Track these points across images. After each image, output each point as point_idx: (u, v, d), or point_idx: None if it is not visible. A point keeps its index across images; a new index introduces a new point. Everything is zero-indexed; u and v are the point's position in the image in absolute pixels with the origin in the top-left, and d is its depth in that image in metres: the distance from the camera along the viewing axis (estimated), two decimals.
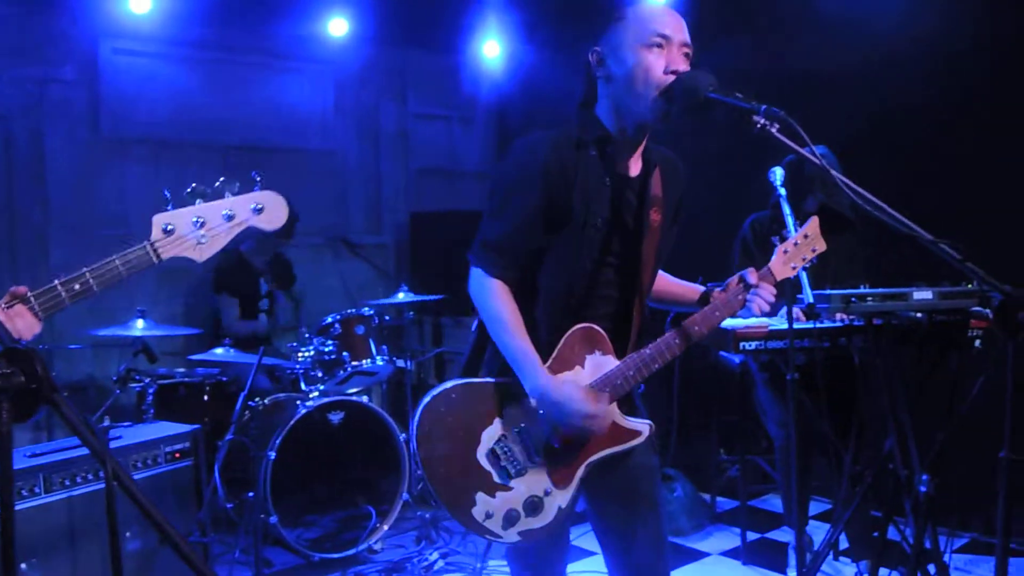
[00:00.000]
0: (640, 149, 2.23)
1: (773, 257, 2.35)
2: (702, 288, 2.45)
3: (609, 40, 2.14)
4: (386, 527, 4.30)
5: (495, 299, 2.14)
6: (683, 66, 2.07)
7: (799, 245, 2.37)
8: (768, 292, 2.26)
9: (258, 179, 1.94)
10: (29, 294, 1.67)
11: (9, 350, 1.39)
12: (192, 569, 1.43)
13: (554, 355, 2.15)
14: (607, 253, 2.18)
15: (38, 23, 5.17)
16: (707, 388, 4.84)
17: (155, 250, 1.80)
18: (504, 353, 2.13)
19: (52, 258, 5.17)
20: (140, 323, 4.22)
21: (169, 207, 1.82)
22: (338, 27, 5.94)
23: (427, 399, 2.14)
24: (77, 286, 1.72)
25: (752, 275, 2.25)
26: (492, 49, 6.57)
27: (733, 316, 2.32)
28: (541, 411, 2.11)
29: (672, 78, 2.04)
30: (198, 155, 5.71)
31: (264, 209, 1.90)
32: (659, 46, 2.06)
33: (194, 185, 1.87)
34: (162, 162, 5.57)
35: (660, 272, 2.42)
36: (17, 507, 3.13)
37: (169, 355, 5.03)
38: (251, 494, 3.93)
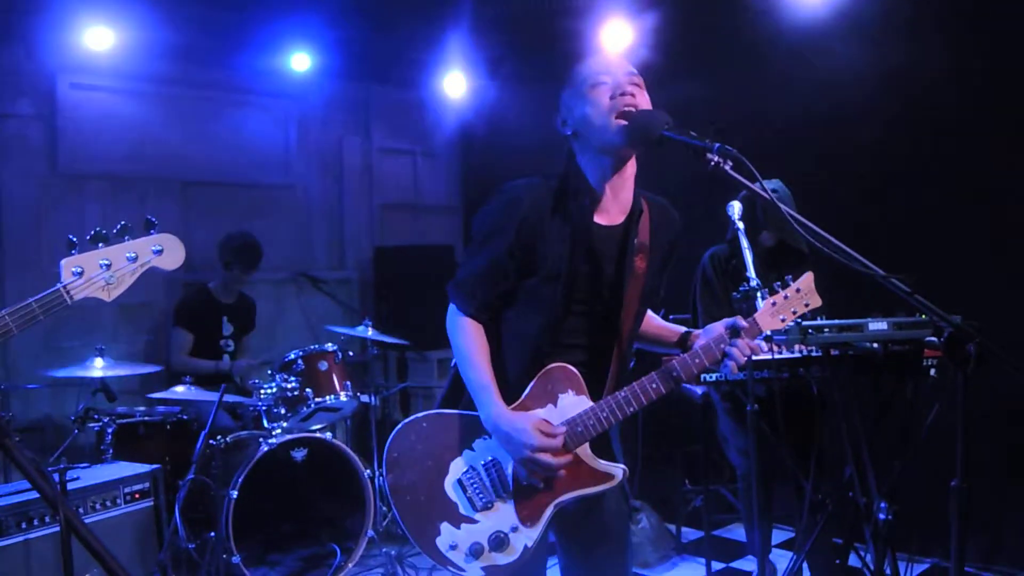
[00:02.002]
0: (627, 198, 2.27)
1: (760, 307, 2.32)
2: (682, 329, 2.46)
3: (565, 104, 2.24)
4: (351, 565, 4.25)
5: (464, 335, 2.20)
6: (632, 89, 2.14)
7: (790, 298, 2.33)
8: (749, 347, 2.21)
9: (155, 222, 2.06)
10: None
11: None
12: None
13: (527, 391, 2.17)
14: (577, 302, 2.21)
15: None
16: (671, 419, 4.87)
17: (67, 292, 1.92)
18: (467, 385, 2.18)
19: (7, 295, 5.08)
20: (99, 362, 4.16)
21: (75, 252, 1.94)
22: (300, 62, 5.96)
23: (399, 427, 2.18)
24: None
25: (743, 324, 2.22)
26: (456, 84, 6.63)
27: (713, 368, 2.31)
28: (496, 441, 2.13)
29: (621, 99, 2.12)
30: (156, 190, 5.68)
31: (164, 250, 2.04)
32: (603, 83, 2.15)
33: (96, 230, 2.00)
34: (120, 198, 5.52)
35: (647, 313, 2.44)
36: None
37: (128, 394, 4.96)
38: (213, 534, 3.87)
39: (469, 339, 2.19)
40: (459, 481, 2.15)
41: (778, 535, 4.61)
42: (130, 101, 5.64)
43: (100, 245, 1.95)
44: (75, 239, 1.94)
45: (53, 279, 2.04)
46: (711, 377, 3.32)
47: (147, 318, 5.59)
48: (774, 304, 2.32)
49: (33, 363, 4.84)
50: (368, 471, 4.37)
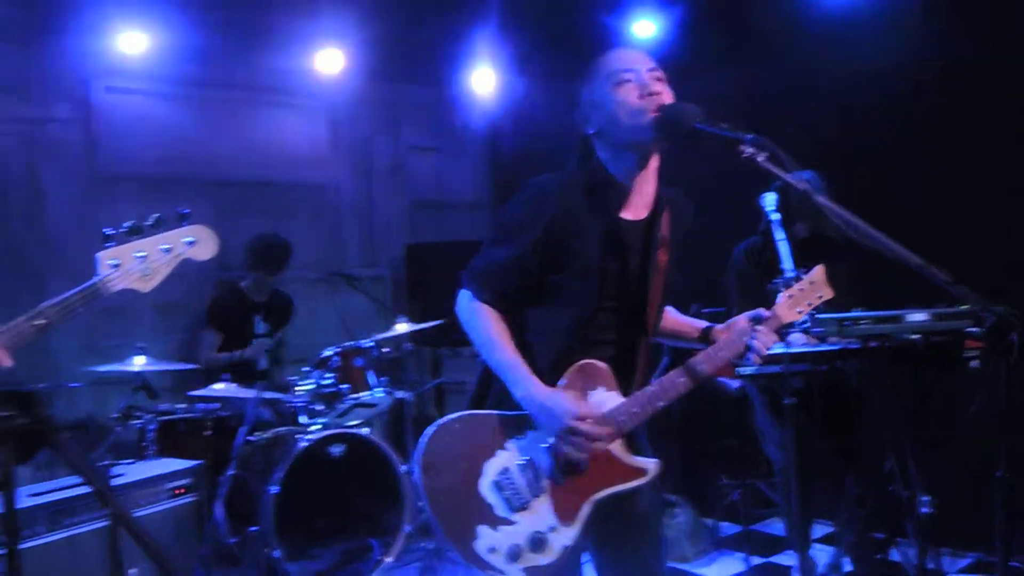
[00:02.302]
0: (650, 192, 2.27)
1: (778, 300, 2.36)
2: (703, 324, 2.47)
3: (587, 102, 2.24)
4: (390, 559, 4.29)
5: (482, 318, 2.19)
6: (657, 87, 2.15)
7: (804, 290, 2.38)
8: (769, 337, 2.25)
9: (188, 213, 2.10)
10: None
11: (11, 392, 1.41)
12: None
13: (559, 387, 2.17)
14: (606, 297, 2.21)
15: (32, 63, 5.20)
16: (706, 413, 4.85)
17: (105, 284, 1.97)
18: (494, 368, 2.17)
19: (51, 291, 5.15)
20: (140, 360, 4.23)
21: (111, 245, 1.99)
22: (331, 62, 6.00)
23: (431, 430, 2.16)
24: (40, 320, 1.86)
25: (765, 314, 2.28)
26: (484, 80, 6.64)
27: (738, 359, 2.32)
28: (532, 418, 2.12)
29: (650, 100, 2.12)
30: (190, 190, 5.74)
31: (197, 242, 2.07)
32: (628, 80, 2.16)
33: (131, 223, 2.04)
34: (155, 198, 5.59)
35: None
36: (21, 547, 3.14)
37: (168, 391, 5.03)
38: (254, 528, 3.92)
39: (488, 321, 2.18)
40: (495, 482, 2.13)
41: (818, 530, 4.58)
42: (164, 103, 5.72)
43: (135, 238, 2.00)
44: (111, 232, 1.99)
45: (93, 275, 2.07)
46: (748, 370, 3.30)
47: (184, 317, 5.67)
48: (790, 296, 2.36)
49: (75, 362, 4.92)
50: (405, 466, 4.40)
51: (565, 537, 2.14)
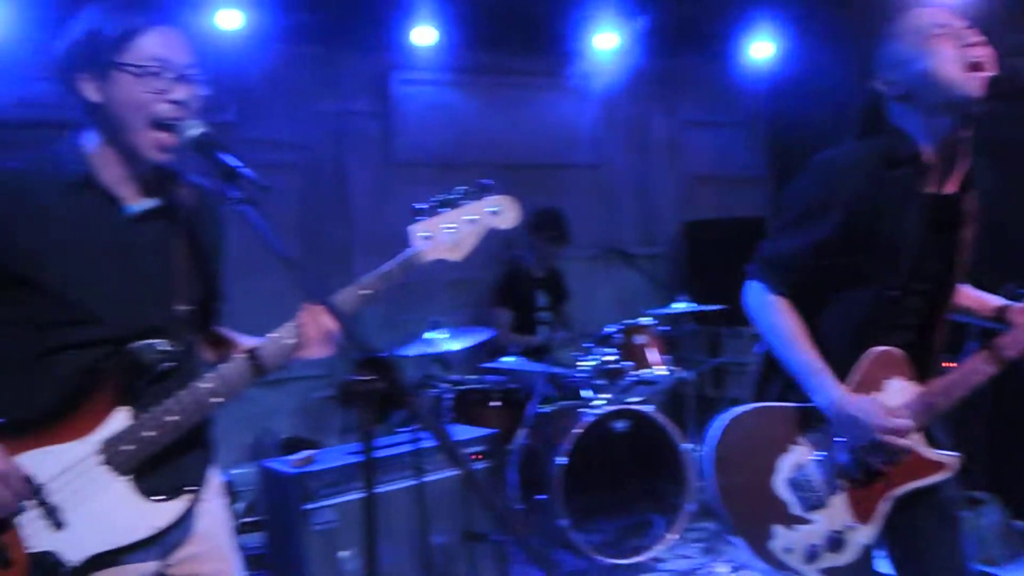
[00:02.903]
0: (960, 162, 2.08)
1: None
2: (999, 302, 2.24)
3: (892, 60, 2.05)
4: (673, 536, 4.27)
5: (777, 313, 2.09)
6: (976, 41, 1.95)
7: None
8: None
9: (490, 185, 2.14)
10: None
11: (370, 359, 1.53)
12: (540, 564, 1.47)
13: (855, 377, 2.05)
14: (917, 279, 2.06)
15: (337, 62, 5.70)
16: (1021, 401, 4.37)
17: (420, 256, 2.04)
18: (791, 368, 2.07)
19: (357, 273, 5.64)
20: (437, 333, 4.50)
21: (421, 218, 2.07)
22: (606, 41, 6.03)
23: (720, 424, 2.11)
24: (366, 290, 1.98)
25: None
26: (763, 49, 6.38)
27: None
28: (835, 427, 2.01)
29: (970, 51, 1.93)
30: (479, 174, 5.96)
31: (500, 211, 2.12)
32: (943, 34, 1.97)
33: (438, 197, 2.11)
34: (448, 183, 5.88)
35: None
36: (337, 500, 3.47)
37: (460, 364, 5.32)
38: (542, 497, 4.05)
39: (786, 319, 2.07)
40: (789, 479, 2.06)
41: None
42: (452, 93, 6.04)
43: (443, 211, 2.08)
44: (420, 207, 2.08)
45: (402, 249, 2.16)
46: None
47: (472, 293, 5.98)
48: None
49: (375, 336, 5.33)
50: (687, 445, 4.36)
51: (863, 536, 2.04)
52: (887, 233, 2.02)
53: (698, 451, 4.47)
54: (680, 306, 4.84)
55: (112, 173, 1.85)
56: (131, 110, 1.79)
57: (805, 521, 2.05)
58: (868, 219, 2.02)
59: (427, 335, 4.51)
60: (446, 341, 4.44)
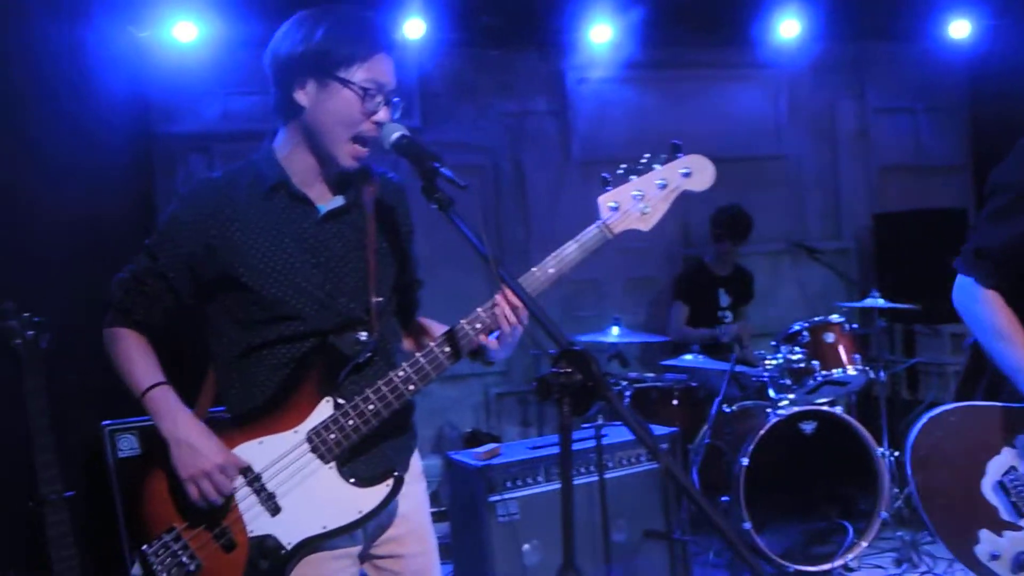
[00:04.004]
0: None
1: None
2: None
3: None
4: (864, 544, 4.09)
5: (987, 308, 1.99)
6: None
7: None
8: None
9: (680, 144, 2.04)
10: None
11: (568, 351, 1.56)
12: (747, 566, 1.46)
13: None
14: None
15: (516, 63, 5.81)
16: None
17: (607, 228, 1.97)
18: (1002, 365, 1.96)
19: (531, 265, 5.73)
20: (615, 330, 4.51)
21: (609, 188, 1.99)
22: (789, 28, 5.82)
23: (923, 422, 2.03)
24: (550, 270, 1.96)
25: None
26: (960, 28, 5.96)
27: None
28: None
29: None
30: None
31: (693, 172, 2.01)
32: None
33: (624, 165, 2.02)
34: None
35: None
36: (520, 494, 3.54)
37: (638, 361, 5.32)
38: (725, 498, 3.98)
39: (997, 313, 1.97)
40: (999, 483, 1.95)
41: None
42: (628, 89, 6.01)
43: (632, 178, 2.01)
44: (608, 176, 2.02)
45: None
46: None
47: (650, 291, 5.94)
48: None
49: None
50: (880, 449, 4.16)
51: None
52: None
53: (892, 456, 4.27)
54: (871, 303, 4.61)
55: (304, 176, 1.98)
56: (339, 123, 1.91)
57: (1015, 527, 1.94)
58: None
59: (608, 331, 4.53)
60: (624, 338, 4.44)
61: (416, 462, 2.16)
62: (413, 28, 5.00)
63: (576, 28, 5.54)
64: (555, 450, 3.63)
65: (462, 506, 3.70)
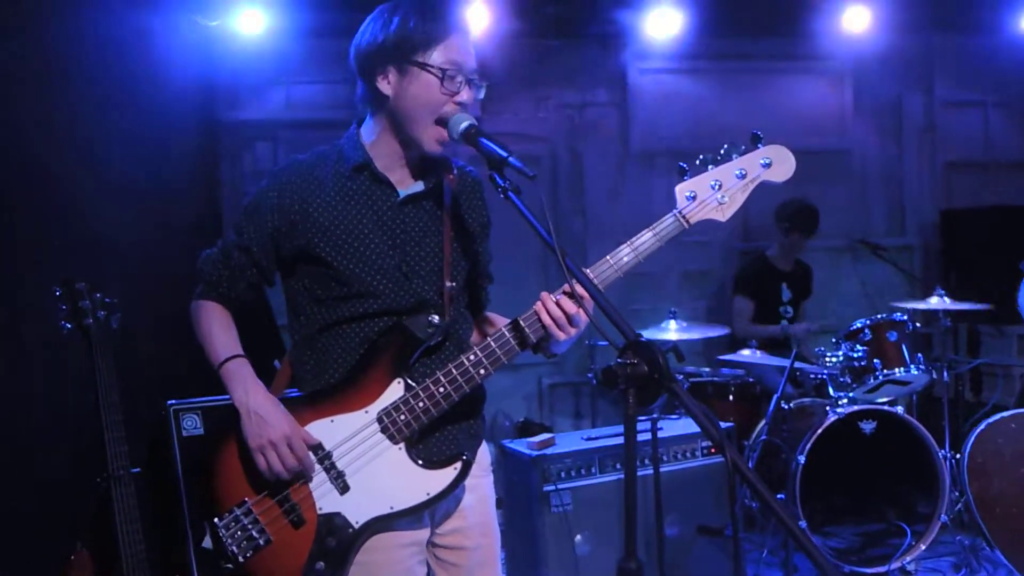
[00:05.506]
0: None
1: None
2: None
3: None
4: (922, 547, 4.01)
5: None
6: None
7: None
8: None
9: (761, 135, 2.00)
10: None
11: (634, 343, 1.56)
12: (816, 562, 1.44)
13: None
14: None
15: (577, 54, 5.79)
16: None
17: (683, 217, 1.95)
18: None
19: (589, 261, 5.72)
20: (672, 324, 4.48)
21: (687, 177, 1.96)
22: (856, 19, 5.69)
23: (981, 428, 1.97)
24: (625, 259, 1.94)
25: None
26: None
27: None
28: None
29: None
30: None
31: (772, 163, 1.98)
32: None
33: (704, 154, 1.98)
34: None
35: None
36: (573, 485, 3.55)
37: (695, 355, 5.28)
38: (780, 496, 3.94)
39: None
40: None
41: None
42: (689, 81, 5.97)
43: (710, 167, 1.98)
44: (686, 165, 1.98)
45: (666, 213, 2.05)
46: None
47: (707, 285, 5.89)
48: None
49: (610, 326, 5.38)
50: (941, 452, 4.07)
51: None
52: None
53: (953, 458, 4.18)
54: (935, 302, 4.50)
55: (387, 160, 2.03)
56: (422, 106, 1.94)
57: None
58: None
59: (665, 325, 4.50)
60: (681, 332, 4.41)
61: (485, 455, 2.18)
62: (476, 17, 5.01)
63: (638, 19, 5.49)
64: (609, 442, 3.64)
65: (516, 495, 3.72)
